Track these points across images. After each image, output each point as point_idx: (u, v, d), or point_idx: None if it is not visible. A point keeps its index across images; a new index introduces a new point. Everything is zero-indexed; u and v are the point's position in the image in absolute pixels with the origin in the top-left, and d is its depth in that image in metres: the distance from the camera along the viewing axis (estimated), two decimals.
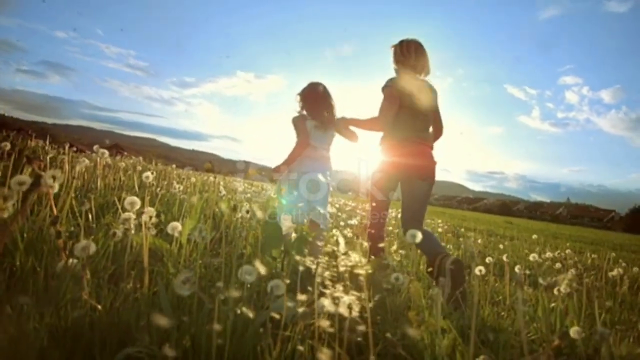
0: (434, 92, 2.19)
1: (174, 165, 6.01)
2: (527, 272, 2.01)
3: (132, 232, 1.17)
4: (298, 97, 2.30)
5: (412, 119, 2.07)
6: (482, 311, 1.57)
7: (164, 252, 1.21)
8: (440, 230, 5.30)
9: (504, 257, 2.00)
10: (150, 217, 1.12)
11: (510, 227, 12.92)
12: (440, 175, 2.29)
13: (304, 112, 2.27)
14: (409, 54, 2.10)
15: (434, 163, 2.12)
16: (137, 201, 1.28)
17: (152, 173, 2.42)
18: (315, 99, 2.25)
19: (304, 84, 2.34)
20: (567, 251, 4.02)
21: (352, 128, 2.30)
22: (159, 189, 2.85)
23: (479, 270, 1.76)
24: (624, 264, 3.76)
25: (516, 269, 1.89)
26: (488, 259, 2.65)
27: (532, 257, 2.38)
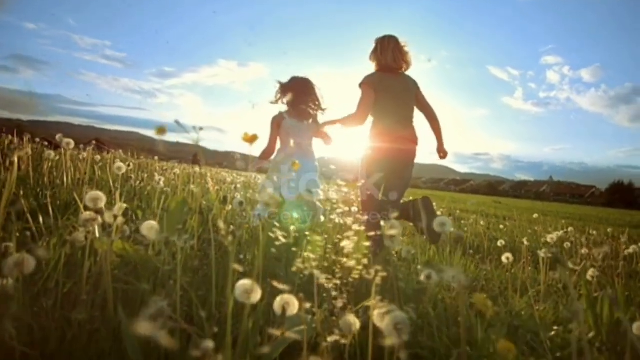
0: (412, 84, 2.21)
1: (156, 158, 5.66)
2: (549, 255, 1.84)
3: (97, 236, 0.92)
4: (278, 86, 2.30)
5: (389, 113, 2.10)
6: (513, 302, 1.41)
7: (136, 261, 0.96)
8: (438, 213, 5.16)
9: (525, 240, 1.85)
10: (116, 217, 0.86)
11: (500, 207, 12.99)
12: (427, 159, 2.39)
13: (283, 102, 2.31)
14: (387, 51, 2.14)
15: (412, 157, 2.17)
16: (102, 197, 1.02)
17: (129, 165, 2.15)
18: (294, 91, 2.26)
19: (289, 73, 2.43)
20: (570, 229, 3.94)
21: (326, 130, 2.35)
22: (137, 182, 2.56)
23: (506, 258, 1.60)
24: (623, 239, 3.71)
25: (541, 254, 1.71)
26: (500, 242, 2.49)
27: (550, 238, 2.23)
